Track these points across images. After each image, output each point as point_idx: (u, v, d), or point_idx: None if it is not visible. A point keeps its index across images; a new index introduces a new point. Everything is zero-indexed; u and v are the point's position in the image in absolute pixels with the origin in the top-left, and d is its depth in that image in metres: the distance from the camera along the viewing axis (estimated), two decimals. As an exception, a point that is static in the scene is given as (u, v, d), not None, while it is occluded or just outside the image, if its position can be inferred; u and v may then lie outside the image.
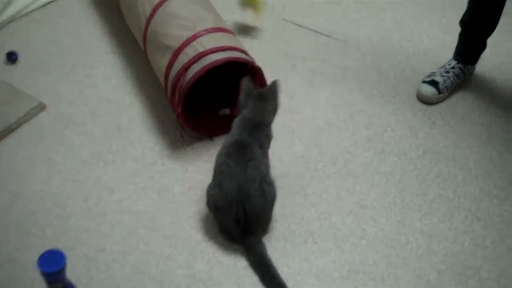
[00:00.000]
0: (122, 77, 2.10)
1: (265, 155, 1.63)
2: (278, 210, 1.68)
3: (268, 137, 1.65)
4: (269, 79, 1.77)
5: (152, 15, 1.92)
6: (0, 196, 1.70)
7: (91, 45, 2.22)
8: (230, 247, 1.60)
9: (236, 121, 1.65)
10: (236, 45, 1.83)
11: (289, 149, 1.89)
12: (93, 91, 2.04)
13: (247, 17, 2.29)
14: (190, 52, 1.76)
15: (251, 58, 1.82)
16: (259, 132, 1.62)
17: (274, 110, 1.66)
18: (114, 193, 1.73)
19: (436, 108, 2.05)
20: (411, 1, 2.54)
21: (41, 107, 1.95)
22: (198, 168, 1.81)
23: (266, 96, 1.64)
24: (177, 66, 1.77)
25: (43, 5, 2.37)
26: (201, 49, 1.76)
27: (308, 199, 1.74)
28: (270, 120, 1.66)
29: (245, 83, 1.66)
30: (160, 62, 1.84)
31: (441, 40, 2.34)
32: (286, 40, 2.31)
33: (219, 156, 1.59)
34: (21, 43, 2.19)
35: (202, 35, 1.80)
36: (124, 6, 2.13)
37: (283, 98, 1.69)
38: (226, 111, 1.96)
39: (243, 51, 1.82)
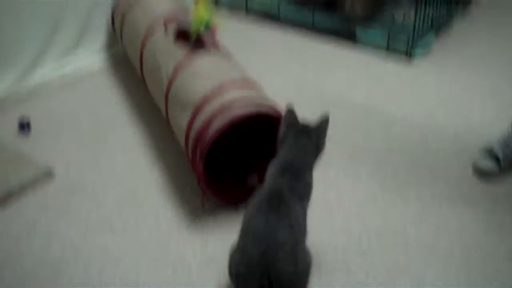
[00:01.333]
0: (140, 148, 1.90)
1: (304, 214, 1.36)
2: (315, 283, 1.39)
3: (308, 187, 1.37)
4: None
5: (174, 76, 1.75)
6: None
7: (110, 118, 2.06)
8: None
9: (271, 165, 1.39)
10: (266, 100, 1.63)
11: (327, 222, 1.62)
12: (107, 160, 1.84)
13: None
14: (214, 105, 1.57)
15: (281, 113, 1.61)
16: (300, 181, 1.34)
17: (318, 150, 1.39)
18: (120, 264, 1.46)
19: (497, 185, 1.78)
20: (456, 80, 2.35)
21: (49, 174, 1.75)
22: (220, 241, 1.54)
23: (310, 132, 1.39)
24: (199, 120, 1.57)
25: (66, 82, 2.25)
26: (226, 102, 1.56)
27: (353, 277, 1.45)
28: (313, 162, 1.39)
29: (288, 114, 1.39)
30: (181, 121, 1.65)
31: (493, 115, 2.11)
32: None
33: (247, 211, 1.33)
34: (36, 114, 2.04)
35: (227, 89, 1.62)
36: (147, 74, 1.98)
37: (320, 170, 1.46)
38: (255, 179, 1.72)
39: (272, 106, 1.61)
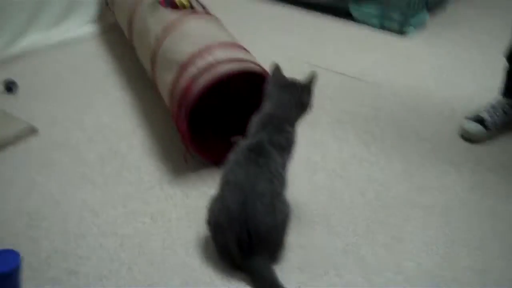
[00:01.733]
0: (126, 110, 1.89)
1: (284, 166, 1.34)
2: (294, 238, 1.38)
3: (290, 141, 1.35)
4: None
5: (162, 38, 1.74)
6: (-34, 214, 1.45)
7: (98, 82, 2.05)
8: (234, 275, 1.29)
9: (253, 118, 1.37)
10: (252, 59, 1.62)
11: (311, 179, 1.61)
12: (92, 120, 1.83)
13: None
14: (200, 63, 1.55)
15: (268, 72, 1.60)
16: (281, 134, 1.33)
17: (304, 106, 1.37)
18: (99, 215, 1.45)
19: (483, 146, 1.77)
20: (448, 53, 2.34)
21: (32, 130, 1.74)
22: (201, 194, 1.53)
23: (294, 88, 1.36)
24: (184, 78, 1.55)
25: (54, 47, 2.24)
26: (212, 60, 1.55)
27: (332, 230, 1.43)
28: (297, 118, 1.37)
29: (274, 71, 1.38)
30: (167, 79, 1.63)
31: (483, 84, 2.10)
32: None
33: (227, 162, 1.32)
34: (23, 76, 2.03)
35: (215, 48, 1.60)
36: (136, 39, 1.97)
37: (307, 132, 1.43)
38: (239, 138, 1.71)
39: (259, 65, 1.60)
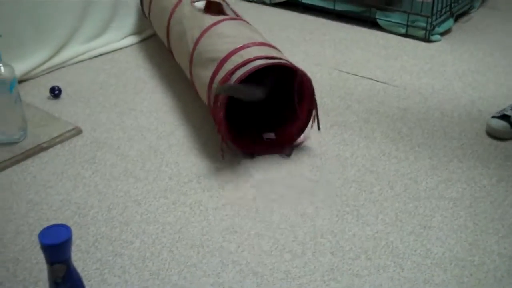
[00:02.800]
0: (165, 111, 1.99)
1: None
2: (325, 225, 1.45)
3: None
4: (321, 116, 1.77)
5: (199, 38, 1.85)
6: (17, 205, 1.55)
7: (138, 86, 2.16)
8: (267, 258, 1.36)
9: None
10: (284, 57, 1.72)
11: (341, 174, 1.68)
12: (133, 121, 1.94)
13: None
14: (236, 60, 1.66)
15: (300, 69, 1.69)
16: None
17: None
18: (142, 205, 1.55)
19: (509, 143, 1.82)
20: (474, 57, 2.40)
21: (77, 131, 1.85)
22: (236, 186, 1.61)
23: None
24: (221, 74, 1.65)
25: (95, 56, 2.36)
26: (247, 57, 1.65)
27: (362, 219, 1.50)
28: None
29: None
30: (204, 75, 1.74)
31: (508, 86, 2.15)
32: (340, 86, 2.17)
33: None
34: (66, 83, 2.15)
35: (249, 46, 1.70)
36: (173, 42, 2.08)
37: (336, 131, 1.56)
38: (271, 135, 1.80)
39: (291, 62, 1.69)
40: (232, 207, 1.54)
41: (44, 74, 2.22)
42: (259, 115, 1.83)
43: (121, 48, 2.44)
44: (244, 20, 1.98)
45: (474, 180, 1.65)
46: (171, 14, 2.09)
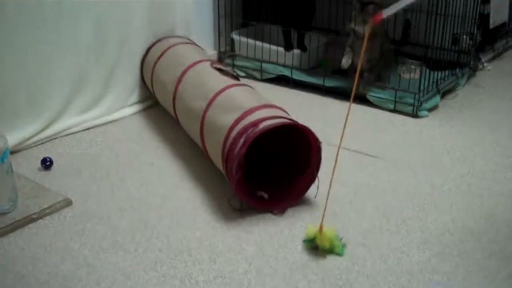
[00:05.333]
0: (156, 183, 1.99)
1: None
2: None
3: None
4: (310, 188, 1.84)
5: (207, 110, 1.95)
6: (4, 278, 1.52)
7: (130, 158, 2.16)
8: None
9: None
10: (290, 117, 1.85)
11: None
12: (124, 193, 1.93)
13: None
14: (245, 123, 1.76)
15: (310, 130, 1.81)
16: None
17: None
18: (131, 278, 1.52)
19: (500, 216, 1.83)
20: (461, 132, 2.44)
21: (67, 202, 1.84)
22: (228, 260, 1.60)
23: None
24: (233, 135, 1.75)
25: (88, 128, 2.38)
26: (256, 118, 1.75)
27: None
28: None
29: None
30: (216, 143, 1.83)
31: (497, 162, 2.18)
32: (329, 158, 2.18)
33: None
34: (59, 155, 2.16)
35: (258, 109, 1.81)
36: (183, 117, 2.17)
37: (327, 203, 1.65)
38: (264, 194, 1.83)
39: (297, 121, 1.81)
40: (223, 280, 1.51)
41: (37, 145, 2.23)
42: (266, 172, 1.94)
43: (114, 120, 2.46)
44: (247, 85, 2.10)
45: (466, 254, 1.65)
46: (177, 84, 2.20)
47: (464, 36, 2.99)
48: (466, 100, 2.80)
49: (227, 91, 1.97)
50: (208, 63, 2.20)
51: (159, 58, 2.42)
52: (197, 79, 2.13)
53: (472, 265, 1.60)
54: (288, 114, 1.88)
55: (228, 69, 2.17)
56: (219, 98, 1.94)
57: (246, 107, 1.82)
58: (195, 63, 2.22)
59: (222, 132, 1.80)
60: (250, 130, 1.71)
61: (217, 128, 1.84)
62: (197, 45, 2.63)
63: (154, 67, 2.42)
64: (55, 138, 2.29)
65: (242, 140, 1.70)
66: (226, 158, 1.74)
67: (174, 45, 2.46)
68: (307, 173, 1.87)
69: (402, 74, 2.82)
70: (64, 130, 2.30)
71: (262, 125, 1.72)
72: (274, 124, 1.73)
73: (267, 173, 1.96)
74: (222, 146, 1.78)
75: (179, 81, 2.19)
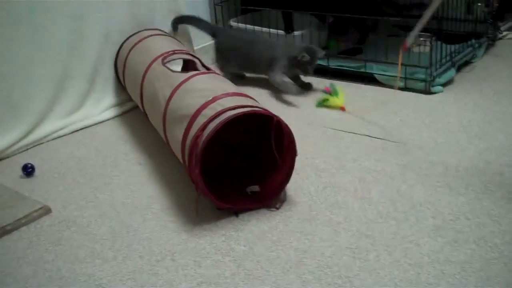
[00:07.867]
0: (143, 184, 1.84)
1: None
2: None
3: None
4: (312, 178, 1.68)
5: (170, 97, 1.75)
6: (-30, 297, 1.39)
7: (114, 161, 2.01)
8: None
9: None
10: (258, 105, 1.62)
11: (333, 241, 1.49)
12: (108, 196, 1.79)
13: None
14: (208, 113, 1.55)
15: (276, 115, 1.57)
16: None
17: None
18: (106, 290, 1.37)
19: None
20: (479, 106, 2.23)
21: (45, 210, 1.70)
22: (215, 263, 1.44)
23: None
24: (194, 129, 1.55)
25: (75, 131, 2.25)
26: (220, 108, 1.54)
27: (356, 291, 1.31)
28: None
29: None
30: (177, 133, 1.63)
31: (517, 136, 1.97)
32: (334, 145, 2.01)
33: None
34: (42, 160, 2.03)
35: (221, 98, 1.60)
36: (147, 103, 1.99)
37: (328, 193, 1.53)
38: (255, 188, 1.66)
39: (266, 109, 1.59)
40: (208, 287, 1.35)
41: (21, 152, 2.10)
42: (240, 169, 1.71)
43: (102, 122, 2.32)
44: (216, 73, 1.89)
45: (484, 239, 1.45)
46: (143, 77, 1.99)
47: (479, 3, 2.78)
48: (485, 72, 2.59)
49: (191, 80, 1.79)
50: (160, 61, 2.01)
51: (128, 54, 2.25)
52: (151, 88, 1.95)
53: (490, 252, 1.40)
54: (254, 100, 1.68)
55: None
56: (183, 86, 1.77)
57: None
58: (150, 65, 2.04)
59: (184, 122, 1.62)
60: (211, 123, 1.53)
61: (179, 118, 1.67)
62: (171, 36, 2.45)
63: (125, 63, 2.26)
64: (41, 143, 2.16)
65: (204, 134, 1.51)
66: (188, 160, 1.56)
67: (145, 38, 2.29)
68: (282, 170, 1.66)
69: (411, 48, 2.61)
70: (48, 135, 2.17)
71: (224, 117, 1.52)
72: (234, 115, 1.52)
73: (239, 171, 1.79)
74: (182, 138, 1.61)
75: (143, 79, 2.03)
